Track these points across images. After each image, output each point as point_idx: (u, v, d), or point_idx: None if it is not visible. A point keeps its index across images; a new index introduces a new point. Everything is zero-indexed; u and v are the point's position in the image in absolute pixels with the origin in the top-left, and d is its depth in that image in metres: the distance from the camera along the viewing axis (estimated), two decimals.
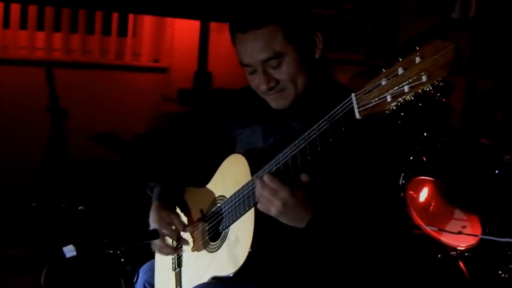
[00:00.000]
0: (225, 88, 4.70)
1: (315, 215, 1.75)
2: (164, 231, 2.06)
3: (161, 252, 2.13)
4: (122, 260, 1.89)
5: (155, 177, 2.27)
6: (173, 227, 2.07)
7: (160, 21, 5.06)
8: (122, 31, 4.99)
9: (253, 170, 1.87)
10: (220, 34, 5.01)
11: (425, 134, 3.28)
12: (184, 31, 5.07)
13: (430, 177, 3.39)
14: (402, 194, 3.31)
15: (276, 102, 1.94)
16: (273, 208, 1.73)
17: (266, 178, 1.74)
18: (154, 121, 4.98)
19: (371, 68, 5.03)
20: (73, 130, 4.42)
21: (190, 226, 2.09)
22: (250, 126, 2.09)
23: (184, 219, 2.12)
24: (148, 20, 5.03)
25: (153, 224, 2.09)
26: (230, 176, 1.99)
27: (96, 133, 4.51)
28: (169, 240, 2.11)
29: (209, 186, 2.10)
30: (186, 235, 2.11)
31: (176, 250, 2.12)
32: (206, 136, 2.24)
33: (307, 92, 1.92)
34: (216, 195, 2.06)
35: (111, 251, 1.88)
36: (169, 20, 5.05)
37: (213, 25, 4.98)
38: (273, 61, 1.86)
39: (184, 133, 2.34)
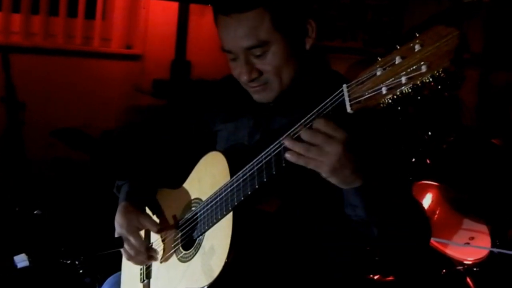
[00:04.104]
0: (205, 78, 4.70)
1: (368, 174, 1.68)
2: (131, 239, 2.06)
3: (130, 260, 2.12)
4: (81, 271, 1.90)
5: (124, 175, 2.26)
6: (142, 233, 2.06)
7: (133, 2, 5.04)
8: (90, 13, 4.97)
9: (233, 170, 1.87)
10: (201, 18, 5.01)
11: (429, 133, 3.28)
12: (160, 13, 5.07)
13: (434, 181, 3.41)
14: None
15: (258, 95, 1.95)
16: (327, 161, 1.61)
17: (317, 123, 1.62)
18: (125, 115, 4.98)
19: (370, 57, 5.04)
20: (32, 125, 4.41)
21: (162, 231, 2.09)
22: (234, 121, 2.10)
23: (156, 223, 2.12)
24: (119, 1, 5.02)
25: (119, 229, 2.08)
26: (207, 177, 1.99)
27: (58, 128, 4.50)
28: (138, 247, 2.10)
29: (184, 187, 2.11)
30: (156, 243, 2.12)
31: (148, 259, 2.11)
32: (182, 129, 2.24)
33: (294, 85, 1.92)
34: (191, 198, 2.06)
35: (69, 262, 1.88)
36: (143, 1, 5.05)
37: (193, 7, 4.98)
38: (257, 49, 1.87)
39: (157, 127, 2.33)
